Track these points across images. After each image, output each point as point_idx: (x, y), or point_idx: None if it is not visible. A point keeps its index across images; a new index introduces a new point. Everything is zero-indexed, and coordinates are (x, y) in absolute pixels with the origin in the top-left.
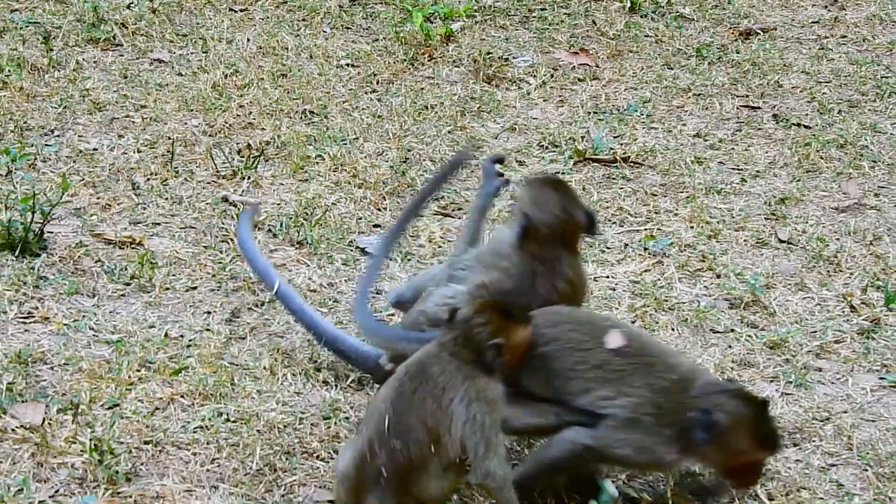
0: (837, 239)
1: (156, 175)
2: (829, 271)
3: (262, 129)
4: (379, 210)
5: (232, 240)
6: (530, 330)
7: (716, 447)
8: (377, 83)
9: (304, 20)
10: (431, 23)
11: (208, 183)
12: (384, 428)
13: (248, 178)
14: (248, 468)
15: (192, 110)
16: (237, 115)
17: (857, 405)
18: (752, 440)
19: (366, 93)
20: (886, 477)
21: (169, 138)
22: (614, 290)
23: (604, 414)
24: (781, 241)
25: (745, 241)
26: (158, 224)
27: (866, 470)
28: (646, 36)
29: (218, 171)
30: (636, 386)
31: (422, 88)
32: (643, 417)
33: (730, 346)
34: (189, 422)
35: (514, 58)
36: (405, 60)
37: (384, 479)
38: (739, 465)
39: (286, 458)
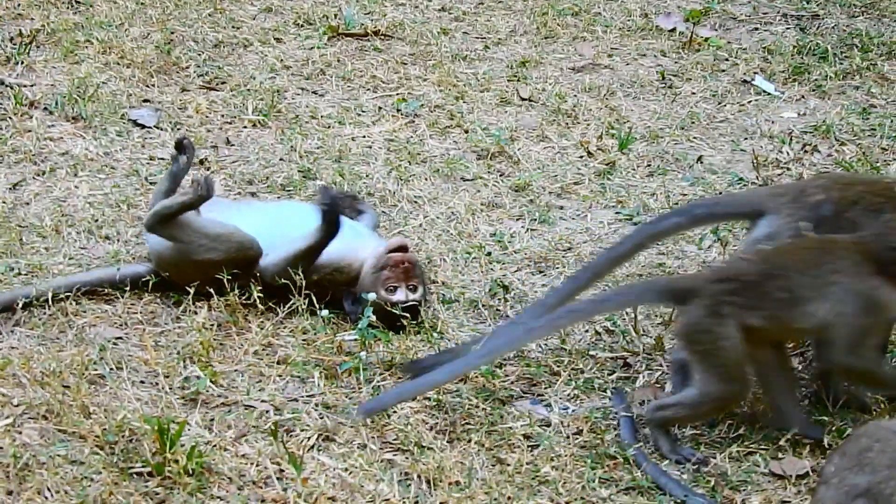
0: (575, 95)
1: None
2: (567, 124)
3: (31, 18)
4: (147, 87)
5: (11, 117)
6: None
7: None
8: None
9: None
10: None
11: None
12: None
13: (22, 62)
14: (42, 314)
15: None
16: (6, 7)
17: (595, 236)
18: None
19: None
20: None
21: None
22: (370, 147)
23: None
24: (523, 100)
25: (489, 100)
26: None
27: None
28: None
29: None
30: None
31: None
32: None
33: (478, 191)
34: None
35: None
36: None
37: None
38: None
39: (76, 303)
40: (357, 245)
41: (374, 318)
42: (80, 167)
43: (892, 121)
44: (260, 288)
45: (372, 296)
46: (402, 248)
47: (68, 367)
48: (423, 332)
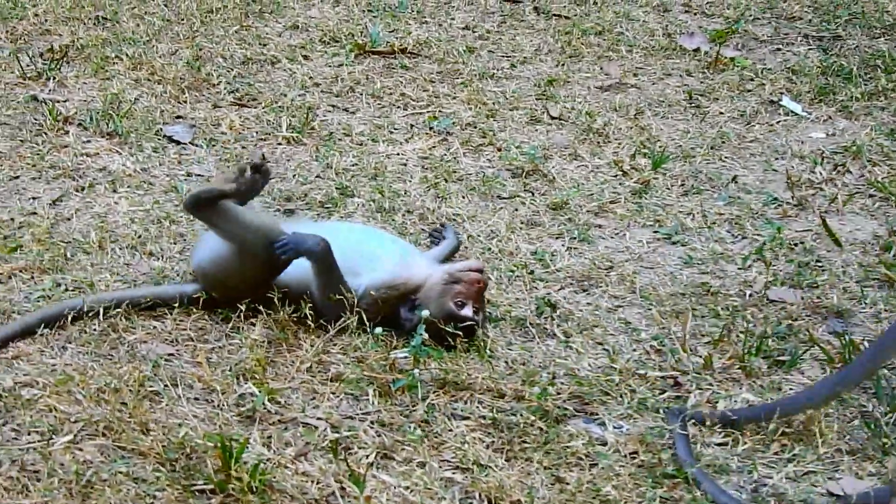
0: (604, 114)
1: None
2: (598, 142)
3: (60, 34)
4: (179, 103)
5: (47, 133)
6: None
7: None
8: None
9: None
10: None
11: (15, 85)
12: None
13: (54, 78)
14: (93, 330)
15: None
16: (34, 23)
17: (635, 255)
18: None
19: None
20: (668, 314)
21: None
22: (405, 165)
23: None
24: (553, 118)
25: (520, 119)
26: None
27: (650, 309)
28: None
29: (24, 74)
30: None
31: None
32: None
33: (516, 210)
34: (31, 293)
35: None
36: None
37: None
38: None
39: (126, 319)
40: (410, 263)
41: (426, 335)
42: (118, 183)
43: None
44: (311, 305)
45: (426, 312)
46: (479, 270)
47: (125, 383)
48: (473, 351)
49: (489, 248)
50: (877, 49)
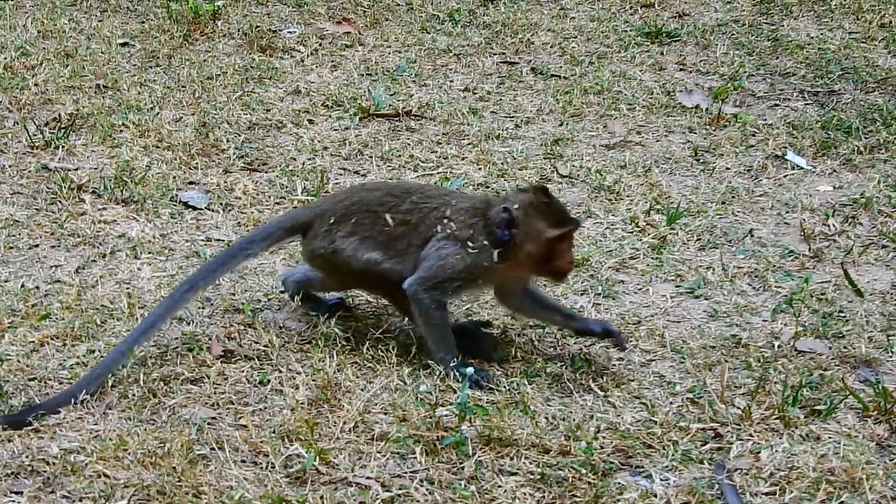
0: (613, 172)
1: None
2: (611, 199)
3: (63, 103)
4: (191, 169)
5: (62, 201)
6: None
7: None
8: (159, 58)
9: (73, 5)
10: (197, 1)
11: (24, 154)
12: None
13: (62, 147)
14: (133, 395)
15: None
16: (35, 93)
17: (661, 309)
18: (545, 221)
19: (151, 67)
20: (700, 366)
21: None
22: None
23: None
24: (563, 176)
25: (530, 178)
26: None
27: (682, 362)
28: (397, 5)
29: (32, 143)
30: None
31: (203, 61)
32: None
33: None
34: (65, 360)
35: (281, 30)
36: (180, 37)
37: None
38: (548, 252)
39: (164, 384)
40: None
41: (470, 392)
42: (139, 250)
43: None
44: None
45: (470, 370)
46: None
47: (172, 447)
48: (514, 406)
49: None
50: (872, 102)
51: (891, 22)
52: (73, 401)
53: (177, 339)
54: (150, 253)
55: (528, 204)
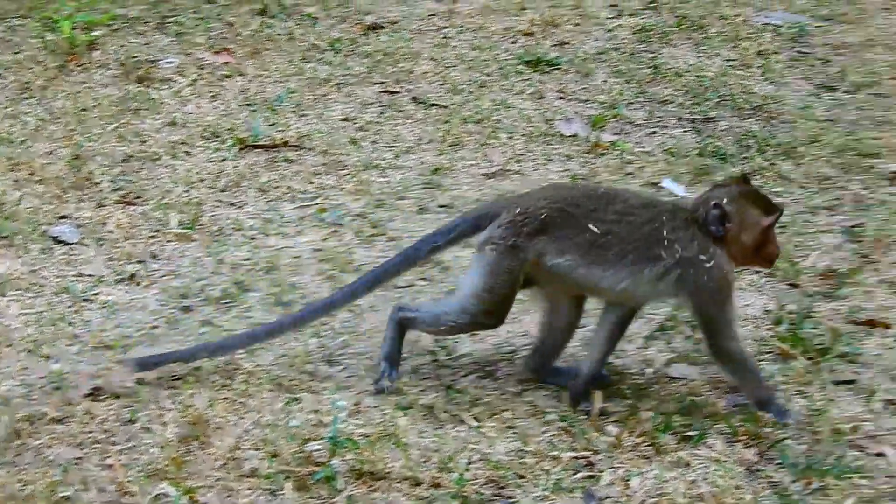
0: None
1: None
2: None
3: None
4: (63, 203)
5: None
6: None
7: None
8: (33, 90)
9: None
10: (74, 30)
11: None
12: None
13: None
14: None
15: None
16: None
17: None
18: (757, 209)
19: (24, 99)
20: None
21: None
22: (299, 257)
23: None
24: (441, 206)
25: (408, 208)
26: None
27: (556, 391)
28: (278, 35)
29: None
30: None
31: (78, 92)
32: None
33: (415, 298)
34: None
35: (159, 60)
36: (55, 68)
37: None
38: (764, 239)
39: (29, 425)
40: None
41: (342, 426)
42: (7, 286)
43: (800, 218)
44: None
45: (342, 403)
46: None
47: (36, 489)
48: (387, 439)
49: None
50: (748, 129)
51: (768, 49)
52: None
53: (43, 377)
54: (17, 290)
55: (736, 195)
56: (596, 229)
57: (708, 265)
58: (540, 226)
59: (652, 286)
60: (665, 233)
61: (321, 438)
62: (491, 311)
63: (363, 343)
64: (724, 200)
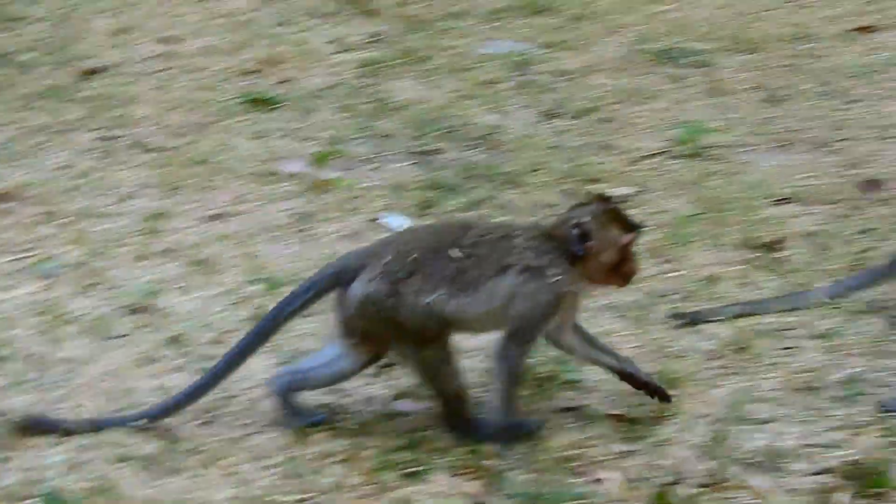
0: (211, 244)
1: None
2: (209, 273)
3: None
4: None
5: None
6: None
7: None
8: None
9: None
10: None
11: None
12: None
13: None
14: None
15: None
16: None
17: (257, 382)
18: (617, 227)
19: None
20: (299, 440)
21: None
22: (14, 312)
23: None
24: (160, 252)
25: (127, 255)
26: None
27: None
28: None
29: None
30: None
31: None
32: None
33: (135, 347)
34: None
35: None
36: None
37: None
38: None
39: None
40: None
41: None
42: None
43: None
44: None
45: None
46: None
47: None
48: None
49: (109, 390)
50: (473, 160)
51: (492, 79)
52: None
53: None
54: None
55: (596, 214)
56: (459, 254)
57: (550, 280)
58: (412, 267)
59: (509, 302)
60: (519, 247)
61: (35, 496)
62: None
63: (83, 395)
64: (585, 219)
